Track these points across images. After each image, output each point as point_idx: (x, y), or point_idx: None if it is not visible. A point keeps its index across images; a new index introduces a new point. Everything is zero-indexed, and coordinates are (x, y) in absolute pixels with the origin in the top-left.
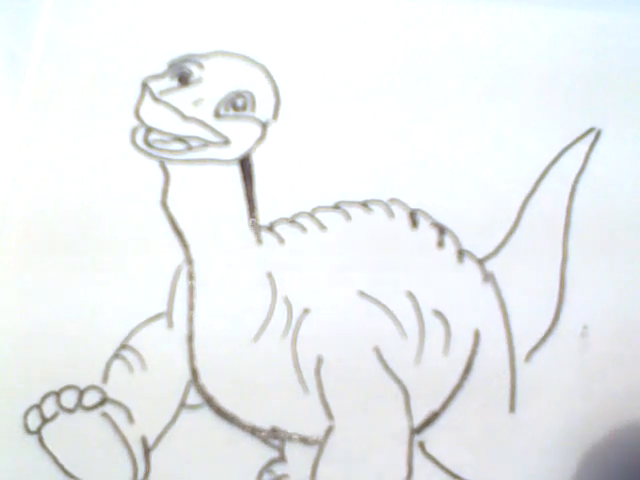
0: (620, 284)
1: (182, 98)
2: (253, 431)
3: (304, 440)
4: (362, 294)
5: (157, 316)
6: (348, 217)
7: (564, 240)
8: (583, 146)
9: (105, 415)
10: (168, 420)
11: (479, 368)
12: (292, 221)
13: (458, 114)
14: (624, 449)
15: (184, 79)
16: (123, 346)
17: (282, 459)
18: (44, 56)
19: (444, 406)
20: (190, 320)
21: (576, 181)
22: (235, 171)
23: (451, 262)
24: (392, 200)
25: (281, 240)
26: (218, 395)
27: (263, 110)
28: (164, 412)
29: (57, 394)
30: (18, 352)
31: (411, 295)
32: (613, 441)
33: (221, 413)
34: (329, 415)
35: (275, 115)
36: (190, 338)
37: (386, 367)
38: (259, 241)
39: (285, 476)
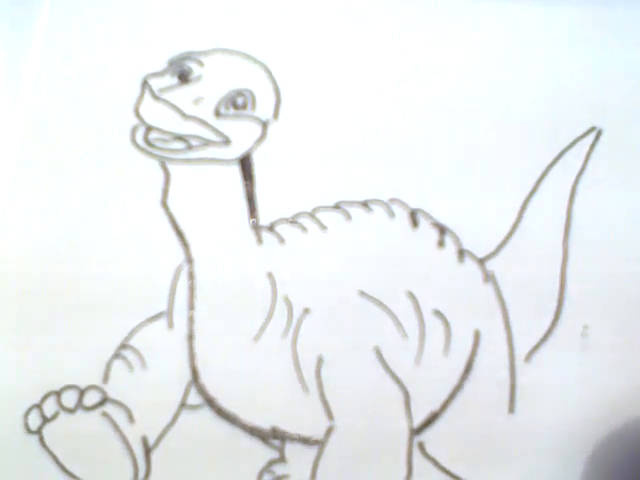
0: (620, 284)
1: (182, 96)
2: (253, 431)
3: (304, 440)
4: (362, 294)
5: (157, 316)
6: (348, 217)
7: (564, 240)
8: (583, 146)
9: (105, 415)
10: (169, 420)
11: (479, 368)
12: (292, 221)
13: (458, 114)
14: (624, 449)
15: (184, 77)
16: (123, 346)
17: (282, 459)
18: (44, 55)
19: (444, 407)
20: (190, 320)
21: (576, 181)
22: (235, 171)
23: (451, 262)
24: (392, 200)
25: (281, 240)
26: (218, 395)
27: (263, 109)
28: (165, 412)
29: (58, 394)
30: (18, 352)
31: (411, 295)
32: (613, 441)
33: (221, 413)
34: (329, 415)
35: (276, 114)
36: (190, 338)
37: (386, 367)
38: (259, 241)
39: (285, 476)
